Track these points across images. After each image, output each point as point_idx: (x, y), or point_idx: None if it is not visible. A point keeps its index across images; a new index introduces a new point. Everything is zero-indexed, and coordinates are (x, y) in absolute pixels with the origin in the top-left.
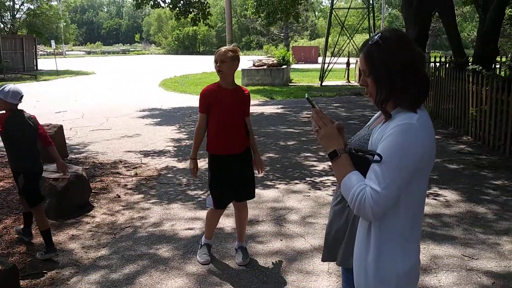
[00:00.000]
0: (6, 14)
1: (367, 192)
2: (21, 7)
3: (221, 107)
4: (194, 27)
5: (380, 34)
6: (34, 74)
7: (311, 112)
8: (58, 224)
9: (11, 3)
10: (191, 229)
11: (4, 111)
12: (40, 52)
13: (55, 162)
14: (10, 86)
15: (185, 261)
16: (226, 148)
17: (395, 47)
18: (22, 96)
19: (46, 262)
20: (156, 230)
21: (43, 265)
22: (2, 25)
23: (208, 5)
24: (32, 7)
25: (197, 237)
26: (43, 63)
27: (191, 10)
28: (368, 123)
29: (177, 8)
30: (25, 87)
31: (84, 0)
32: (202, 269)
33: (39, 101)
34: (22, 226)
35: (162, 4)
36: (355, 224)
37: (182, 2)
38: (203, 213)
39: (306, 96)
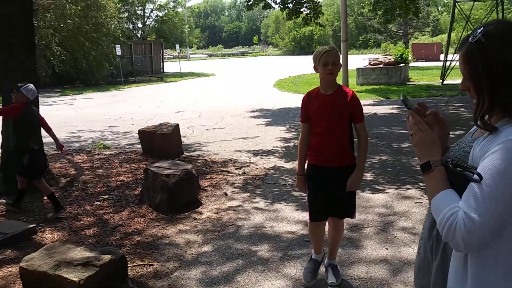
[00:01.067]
0: (137, 22)
1: (459, 218)
2: (150, 14)
3: (318, 115)
4: (311, 27)
5: (482, 28)
6: (160, 76)
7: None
8: (168, 218)
9: (142, 12)
10: (291, 232)
11: (21, 103)
12: (167, 56)
13: (55, 143)
14: (31, 86)
15: (283, 264)
16: (321, 159)
17: (502, 45)
18: (37, 96)
19: (151, 252)
20: (258, 230)
21: (150, 256)
22: (134, 32)
23: (319, 4)
24: (160, 14)
25: (297, 239)
26: (169, 66)
27: (302, 9)
28: (471, 130)
29: (288, 8)
30: (152, 89)
31: (207, 5)
32: (301, 273)
33: (162, 101)
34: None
35: (273, 5)
36: (447, 248)
37: (292, 1)
38: (305, 216)
39: (401, 97)
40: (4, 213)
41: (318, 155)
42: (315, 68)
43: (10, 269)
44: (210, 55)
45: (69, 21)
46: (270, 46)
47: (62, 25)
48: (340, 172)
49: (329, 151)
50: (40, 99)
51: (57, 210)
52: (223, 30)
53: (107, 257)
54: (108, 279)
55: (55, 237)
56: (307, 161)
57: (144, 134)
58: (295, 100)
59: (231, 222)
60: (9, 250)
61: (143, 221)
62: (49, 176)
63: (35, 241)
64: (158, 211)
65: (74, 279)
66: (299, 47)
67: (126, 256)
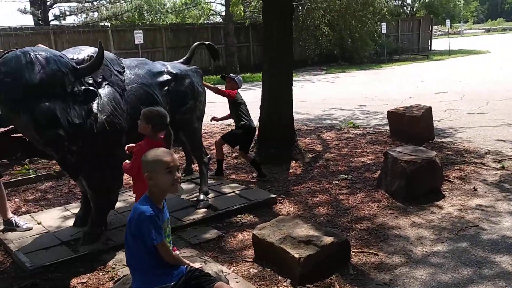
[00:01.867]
0: None
1: None
2: None
3: None
4: None
5: None
6: (426, 54)
7: None
8: (403, 207)
9: None
10: None
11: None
12: (437, 32)
13: None
14: (240, 77)
15: None
16: None
17: None
18: None
19: (379, 241)
20: (507, 238)
21: (377, 245)
22: (403, 9)
23: None
24: None
25: None
26: (437, 43)
27: None
28: None
29: None
30: (415, 67)
31: None
32: None
33: (423, 81)
34: None
35: None
36: None
37: None
38: None
39: None
40: (255, 181)
41: None
42: None
43: (248, 233)
44: (488, 30)
45: (338, 1)
46: None
47: (331, 6)
48: None
49: None
50: (306, 77)
51: (217, 174)
52: (506, 1)
53: (329, 239)
54: (328, 261)
55: (291, 209)
56: None
57: (393, 116)
58: None
59: (475, 223)
60: (251, 216)
61: (376, 207)
62: (296, 150)
63: (273, 210)
64: (394, 198)
65: (295, 255)
66: None
67: (352, 241)
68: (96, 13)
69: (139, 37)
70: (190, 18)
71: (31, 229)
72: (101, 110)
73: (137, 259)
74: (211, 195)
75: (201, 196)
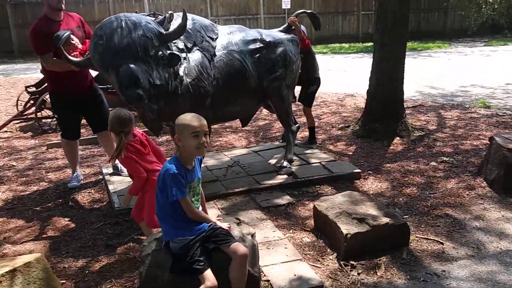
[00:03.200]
0: None
1: None
2: None
3: None
4: None
5: None
6: None
7: None
8: (499, 199)
9: None
10: None
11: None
12: None
13: None
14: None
15: None
16: None
17: None
18: None
19: (452, 231)
20: None
21: (448, 235)
22: None
23: None
24: None
25: None
26: None
27: None
28: None
29: None
30: None
31: None
32: None
33: None
34: None
35: None
36: None
37: None
38: None
39: None
40: (351, 154)
41: None
42: None
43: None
44: None
45: None
46: None
47: None
48: None
49: None
50: (460, 48)
51: (310, 142)
52: None
53: (385, 220)
54: (381, 241)
55: (373, 186)
56: None
57: None
58: None
59: None
60: (330, 188)
61: (467, 195)
62: (402, 126)
63: (354, 185)
64: (492, 188)
65: (344, 230)
66: None
67: (422, 227)
68: None
69: (286, 2)
70: None
71: None
72: (188, 73)
73: (162, 211)
74: (296, 163)
75: (285, 163)
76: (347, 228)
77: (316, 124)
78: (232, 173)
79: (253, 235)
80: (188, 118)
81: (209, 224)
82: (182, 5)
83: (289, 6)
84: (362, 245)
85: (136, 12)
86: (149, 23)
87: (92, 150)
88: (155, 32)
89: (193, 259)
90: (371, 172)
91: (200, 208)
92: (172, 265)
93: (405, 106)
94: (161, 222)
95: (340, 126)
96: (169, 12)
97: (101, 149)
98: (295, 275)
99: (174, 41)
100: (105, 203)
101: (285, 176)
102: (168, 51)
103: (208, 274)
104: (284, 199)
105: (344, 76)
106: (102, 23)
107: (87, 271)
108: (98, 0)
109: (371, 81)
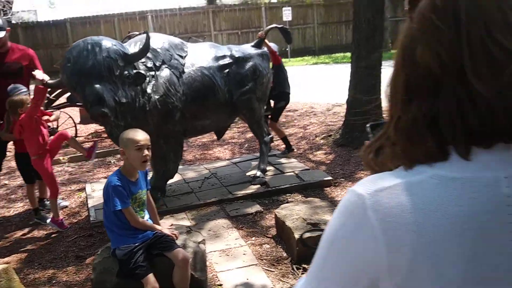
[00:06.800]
0: None
1: None
2: None
3: None
4: None
5: None
6: None
7: None
8: None
9: None
10: None
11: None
12: None
13: None
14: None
15: None
16: None
17: None
18: None
19: None
20: None
21: None
22: None
23: None
24: None
25: None
26: None
27: None
28: None
29: None
30: None
31: None
32: None
33: None
34: None
35: None
36: None
37: None
38: None
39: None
40: (329, 162)
41: None
42: None
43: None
44: None
45: None
46: None
47: None
48: None
49: None
50: None
51: (288, 151)
52: None
53: None
54: None
55: (342, 193)
56: None
57: None
58: None
59: None
60: (300, 196)
61: None
62: None
63: (324, 192)
64: None
65: (296, 235)
66: None
67: None
68: None
69: (287, 14)
70: None
71: None
72: (155, 90)
73: (108, 221)
74: (270, 173)
75: (258, 173)
76: (299, 233)
77: (301, 134)
78: (208, 185)
79: (201, 242)
80: (132, 132)
81: (154, 232)
82: (184, 22)
83: (290, 18)
84: (314, 249)
85: (142, 31)
86: (114, 45)
87: (82, 166)
88: (119, 53)
89: (136, 265)
90: (343, 179)
91: (147, 217)
92: (118, 270)
93: (383, 114)
94: (108, 231)
95: (323, 135)
96: (145, 31)
97: (90, 165)
98: (247, 279)
99: (143, 61)
100: (83, 217)
101: (258, 186)
102: (134, 71)
103: (150, 278)
104: (253, 208)
105: (339, 85)
106: (71, 46)
107: (54, 281)
108: (104, 20)
109: (350, 90)
